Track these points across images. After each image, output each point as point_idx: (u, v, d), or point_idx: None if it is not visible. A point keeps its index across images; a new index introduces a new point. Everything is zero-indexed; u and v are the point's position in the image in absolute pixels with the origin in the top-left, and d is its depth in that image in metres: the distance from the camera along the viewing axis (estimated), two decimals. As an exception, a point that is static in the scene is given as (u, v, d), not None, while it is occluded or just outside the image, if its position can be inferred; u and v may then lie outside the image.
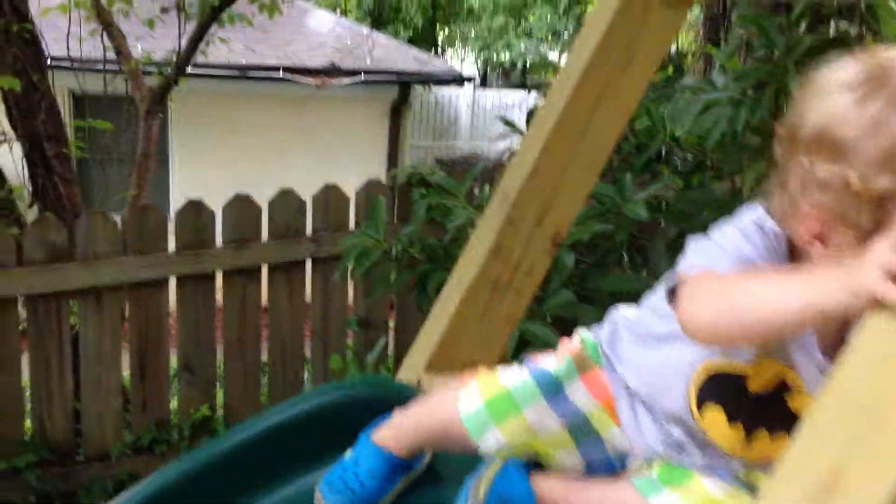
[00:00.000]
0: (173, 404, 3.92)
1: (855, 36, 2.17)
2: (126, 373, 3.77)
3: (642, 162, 2.61)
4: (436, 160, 14.76)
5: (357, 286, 3.82)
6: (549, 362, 1.15)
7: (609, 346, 1.13)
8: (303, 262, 3.78)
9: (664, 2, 1.33)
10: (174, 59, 4.90)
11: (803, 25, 2.23)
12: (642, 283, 2.19)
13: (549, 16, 18.91)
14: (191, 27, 5.10)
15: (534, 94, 12.12)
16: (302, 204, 3.71)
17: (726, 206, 2.37)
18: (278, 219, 3.69)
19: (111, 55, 5.13)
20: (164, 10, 5.19)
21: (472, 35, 20.04)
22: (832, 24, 2.15)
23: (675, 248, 2.41)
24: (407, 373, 1.47)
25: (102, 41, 5.03)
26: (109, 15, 5.07)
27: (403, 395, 1.29)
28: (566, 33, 19.32)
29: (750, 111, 2.06)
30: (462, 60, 20.63)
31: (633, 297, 2.23)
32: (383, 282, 2.38)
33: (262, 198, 3.70)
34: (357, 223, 3.81)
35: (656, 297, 1.06)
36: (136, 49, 5.35)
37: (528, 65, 21.73)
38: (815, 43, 2.14)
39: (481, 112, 14.60)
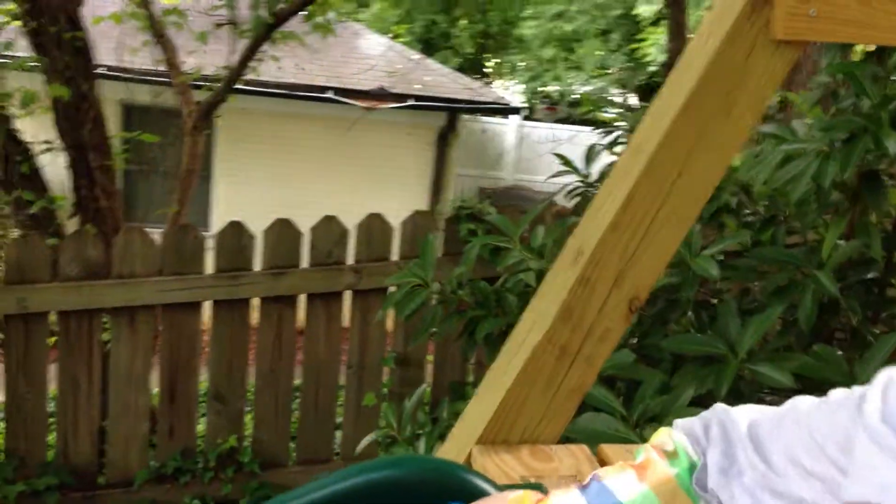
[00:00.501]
0: (199, 430, 3.79)
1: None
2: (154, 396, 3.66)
3: (710, 212, 2.44)
4: (479, 190, 14.66)
5: (397, 320, 3.67)
6: (622, 484, 0.85)
7: (721, 481, 0.80)
8: (342, 293, 3.64)
9: (772, 43, 1.17)
10: (225, 74, 4.82)
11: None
12: (709, 344, 2.02)
13: (598, 50, 18.76)
14: (242, 44, 5.04)
15: (586, 129, 11.97)
16: (345, 232, 3.58)
17: (799, 265, 2.19)
18: (320, 246, 3.57)
19: (162, 67, 5.08)
20: (218, 26, 5.14)
21: (520, 66, 19.98)
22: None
23: (744, 307, 2.24)
24: (459, 444, 1.31)
25: (154, 53, 4.98)
26: (162, 27, 5.03)
27: (456, 479, 1.12)
28: (615, 69, 19.19)
29: (840, 166, 1.89)
30: (509, 91, 20.56)
31: (701, 359, 2.06)
32: (429, 326, 2.23)
33: (304, 219, 3.58)
34: (401, 255, 3.68)
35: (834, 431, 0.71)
36: (187, 63, 5.30)
37: (575, 99, 21.62)
38: (913, 95, 1.96)
39: (527, 144, 14.50)
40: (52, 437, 3.59)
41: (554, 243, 2.42)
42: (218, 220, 9.29)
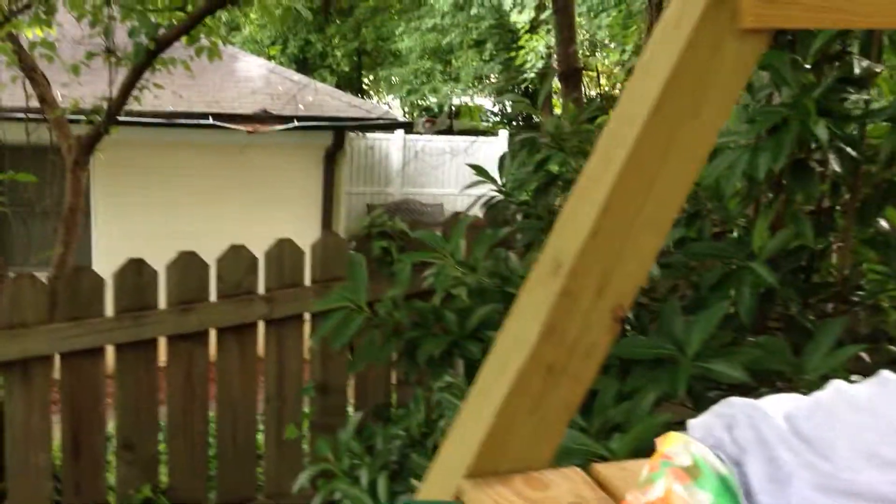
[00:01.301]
0: (109, 481, 3.54)
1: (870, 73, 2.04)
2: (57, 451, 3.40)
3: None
4: (368, 207, 14.56)
5: (313, 348, 3.53)
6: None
7: (772, 490, 0.69)
8: (255, 324, 3.48)
9: (736, 35, 1.14)
10: (105, 106, 4.57)
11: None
12: (657, 346, 2.00)
13: (474, 61, 18.98)
14: (121, 73, 4.79)
15: (475, 139, 12.05)
16: (254, 260, 3.43)
17: (731, 257, 2.21)
18: (228, 277, 3.39)
19: (34, 103, 4.78)
20: (90, 55, 4.86)
21: (398, 80, 20.01)
22: (854, 60, 2.01)
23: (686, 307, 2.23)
24: (444, 479, 1.22)
25: (25, 88, 4.67)
26: (32, 60, 4.73)
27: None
28: (492, 78, 19.47)
29: (772, 157, 1.90)
30: (388, 106, 20.57)
31: (649, 362, 2.04)
32: (368, 352, 2.13)
33: (194, 248, 3.38)
34: (313, 280, 3.55)
35: None
36: (62, 96, 5.01)
37: (453, 110, 21.82)
38: (833, 82, 2.00)
39: (412, 158, 14.50)
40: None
41: (487, 257, 2.36)
42: (100, 257, 8.84)
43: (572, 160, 2.67)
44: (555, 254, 1.18)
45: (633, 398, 1.82)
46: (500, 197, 3.04)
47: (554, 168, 2.92)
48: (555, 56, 15.13)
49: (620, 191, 1.15)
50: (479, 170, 3.09)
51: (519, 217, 3.21)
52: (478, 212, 3.50)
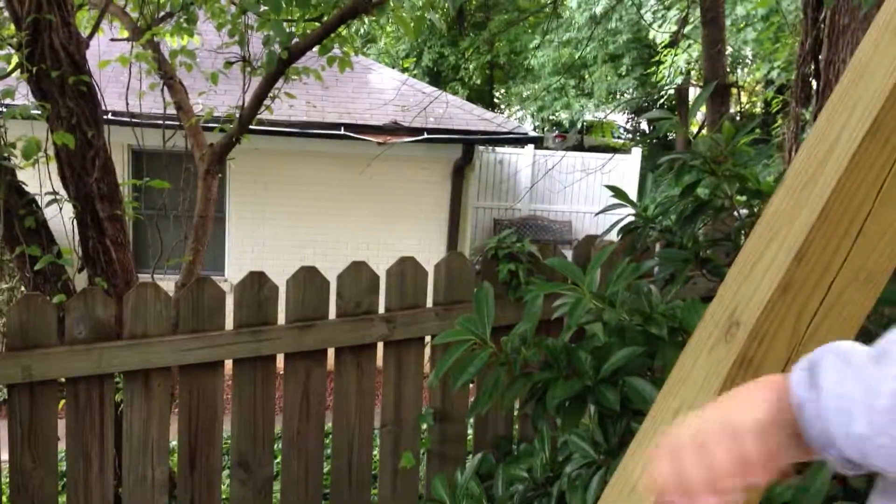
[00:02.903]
0: (222, 501, 3.48)
1: None
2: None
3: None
4: (494, 222, 14.41)
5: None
6: None
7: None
8: (374, 345, 3.34)
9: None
10: (237, 114, 4.57)
11: None
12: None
13: (608, 77, 18.58)
14: (255, 83, 4.80)
15: (610, 157, 11.69)
16: (375, 279, 3.29)
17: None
18: (347, 295, 3.27)
19: (171, 110, 4.85)
20: (229, 64, 4.90)
21: (530, 95, 19.82)
22: None
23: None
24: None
25: (163, 96, 4.74)
26: (171, 69, 4.80)
27: None
28: (627, 94, 19.00)
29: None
30: (519, 121, 20.40)
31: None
32: (493, 393, 1.93)
33: (319, 258, 3.29)
34: (435, 301, 3.38)
35: None
36: (198, 105, 5.07)
37: (584, 126, 21.42)
38: None
39: (541, 173, 14.25)
40: (63, 515, 3.29)
41: (628, 290, 2.12)
42: (233, 263, 9.04)
43: (727, 185, 2.40)
44: (729, 310, 0.94)
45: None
46: (640, 222, 2.80)
47: (701, 193, 2.66)
48: (693, 73, 14.57)
49: (821, 232, 0.90)
50: (617, 191, 2.85)
51: (659, 246, 2.96)
52: (613, 236, 3.25)
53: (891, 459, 0.63)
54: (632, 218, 2.85)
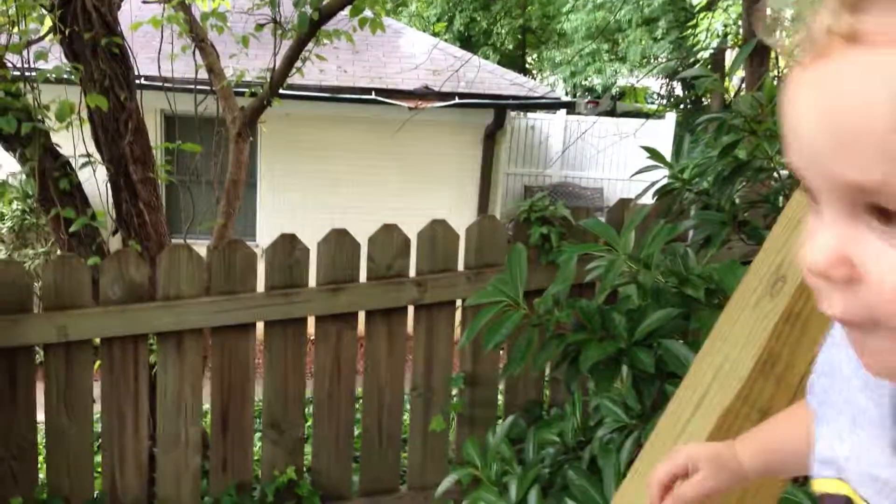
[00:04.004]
0: (254, 460, 3.52)
1: None
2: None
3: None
4: (525, 188, 14.30)
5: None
6: None
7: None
8: (405, 308, 3.33)
9: None
10: (268, 77, 4.55)
11: None
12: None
13: (643, 40, 18.26)
14: (285, 46, 4.77)
15: (643, 122, 11.53)
16: (406, 241, 3.28)
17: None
18: (379, 258, 3.26)
19: (203, 74, 4.83)
20: (260, 27, 4.87)
21: (562, 60, 19.56)
22: None
23: None
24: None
25: (195, 59, 4.72)
26: (203, 31, 4.78)
27: None
28: (662, 58, 18.68)
29: None
30: (551, 86, 20.16)
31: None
32: (525, 355, 1.91)
33: (352, 223, 3.26)
34: (466, 265, 3.36)
35: None
36: (229, 68, 5.05)
37: (618, 91, 21.14)
38: None
39: (573, 139, 14.09)
40: (97, 472, 3.34)
41: (663, 252, 2.08)
42: (264, 228, 9.08)
43: (767, 145, 2.34)
44: (775, 264, 0.91)
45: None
46: (676, 184, 2.74)
47: (741, 154, 2.60)
48: (729, 36, 14.26)
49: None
50: (653, 152, 2.79)
51: (695, 209, 2.90)
52: (648, 200, 3.20)
53: None
54: (667, 180, 2.79)
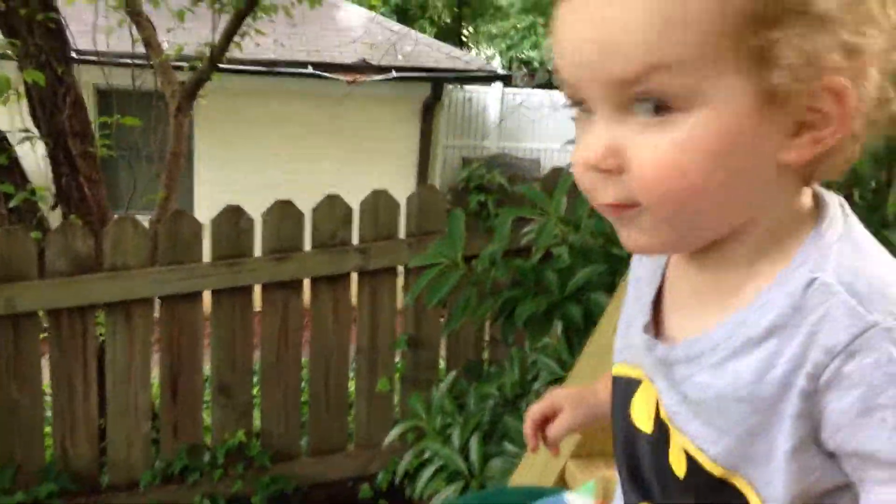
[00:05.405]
0: (205, 425, 3.61)
1: None
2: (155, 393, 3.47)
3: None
4: (463, 160, 14.43)
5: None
6: None
7: None
8: (348, 275, 3.45)
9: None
10: (207, 52, 4.58)
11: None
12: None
13: (577, 14, 18.44)
14: (223, 20, 4.78)
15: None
16: (349, 211, 3.39)
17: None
18: (323, 227, 3.37)
19: (140, 48, 4.82)
20: (197, 1, 4.87)
21: (498, 34, 19.70)
22: None
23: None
24: (543, 460, 1.14)
25: (131, 33, 4.72)
26: (138, 4, 4.76)
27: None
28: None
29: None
30: (487, 59, 20.26)
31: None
32: (464, 310, 2.05)
33: (290, 197, 3.36)
34: (408, 233, 3.49)
35: None
36: (164, 42, 5.04)
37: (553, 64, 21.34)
38: None
39: (510, 111, 14.25)
40: (49, 441, 3.40)
41: (590, 215, 2.24)
42: (202, 203, 9.04)
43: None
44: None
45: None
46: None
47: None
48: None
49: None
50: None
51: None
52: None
53: None
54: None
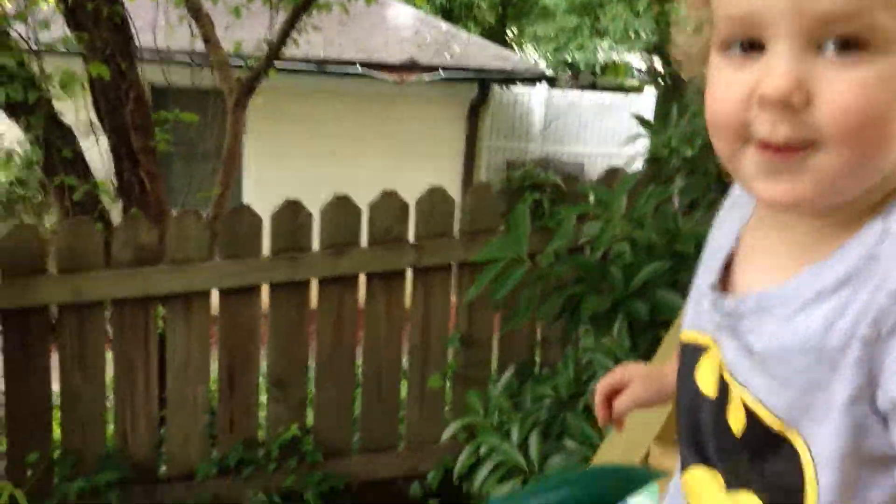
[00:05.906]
0: (260, 419, 3.65)
1: None
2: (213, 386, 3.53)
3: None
4: (507, 163, 14.41)
5: (461, 298, 3.50)
6: None
7: None
8: (403, 272, 3.47)
9: None
10: (266, 48, 4.64)
11: None
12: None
13: (625, 16, 18.33)
14: (279, 17, 4.85)
15: (625, 95, 11.67)
16: (405, 207, 3.41)
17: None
18: (379, 223, 3.39)
19: (198, 45, 4.91)
20: (252, -1, 4.95)
21: (542, 34, 19.61)
22: None
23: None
24: (630, 441, 1.14)
25: (191, 29, 4.80)
26: (198, 1, 4.85)
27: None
28: (643, 34, 18.80)
29: None
30: (535, 61, 20.20)
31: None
32: (530, 306, 2.06)
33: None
34: (461, 231, 3.50)
35: None
36: (223, 39, 5.12)
37: (599, 66, 21.22)
38: None
39: (555, 114, 14.21)
40: (109, 431, 3.47)
41: (654, 212, 2.24)
42: (250, 199, 9.15)
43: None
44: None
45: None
46: (663, 151, 2.89)
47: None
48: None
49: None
50: (643, 121, 2.94)
51: (682, 175, 3.05)
52: (634, 168, 3.34)
53: None
54: (653, 149, 2.94)
